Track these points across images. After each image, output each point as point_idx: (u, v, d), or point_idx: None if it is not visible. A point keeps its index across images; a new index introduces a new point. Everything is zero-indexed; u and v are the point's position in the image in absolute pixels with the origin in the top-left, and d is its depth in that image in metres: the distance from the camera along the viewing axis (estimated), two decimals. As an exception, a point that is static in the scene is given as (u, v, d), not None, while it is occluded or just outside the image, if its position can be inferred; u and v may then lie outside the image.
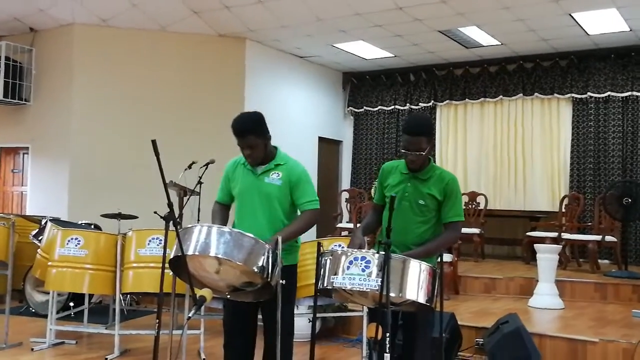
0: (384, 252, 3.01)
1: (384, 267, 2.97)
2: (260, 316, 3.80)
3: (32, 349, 5.62)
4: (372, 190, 10.43)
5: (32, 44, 9.55)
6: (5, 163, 10.19)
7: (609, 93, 9.83)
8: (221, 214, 3.87)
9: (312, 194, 3.75)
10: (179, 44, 9.52)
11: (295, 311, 5.67)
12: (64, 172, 9.15)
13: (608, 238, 8.36)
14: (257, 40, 9.93)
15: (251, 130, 3.61)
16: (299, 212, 3.77)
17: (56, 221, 6.47)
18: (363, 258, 3.18)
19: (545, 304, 6.79)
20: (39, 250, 5.98)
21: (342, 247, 5.02)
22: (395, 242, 3.35)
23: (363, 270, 3.13)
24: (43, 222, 6.49)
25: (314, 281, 3.42)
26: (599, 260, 8.71)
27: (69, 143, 9.16)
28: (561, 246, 7.75)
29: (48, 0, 8.56)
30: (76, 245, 5.44)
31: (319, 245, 3.47)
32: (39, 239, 6.22)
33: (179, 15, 8.90)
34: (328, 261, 3.30)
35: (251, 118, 3.69)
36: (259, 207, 3.69)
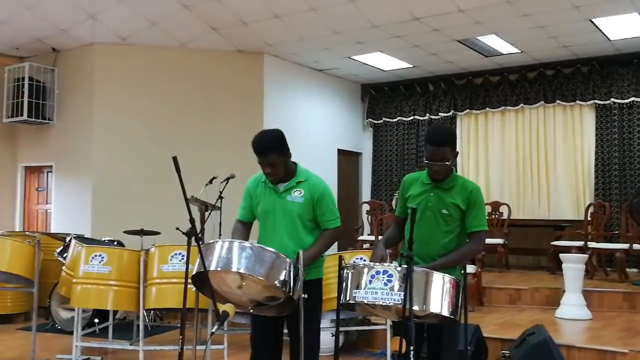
0: (406, 265, 2.98)
1: (407, 280, 2.94)
2: (286, 330, 3.79)
3: (58, 366, 5.65)
4: (393, 202, 10.40)
5: (54, 64, 9.69)
6: (30, 182, 10.32)
7: (632, 98, 9.71)
8: (241, 232, 3.84)
9: (334, 212, 3.74)
10: (198, 61, 9.60)
11: (319, 325, 5.64)
12: (87, 189, 9.23)
13: (636, 246, 8.22)
14: (275, 55, 9.98)
15: (273, 149, 3.59)
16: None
17: (80, 238, 6.51)
18: (385, 272, 3.15)
19: (572, 315, 6.69)
20: (63, 267, 6.02)
21: (364, 261, 5.00)
22: (420, 254, 3.33)
23: (385, 284, 3.11)
24: (67, 239, 6.53)
25: (336, 295, 3.40)
26: (627, 269, 8.57)
27: (92, 161, 9.26)
28: (587, 255, 7.64)
29: (69, 20, 8.68)
30: (100, 262, 5.46)
31: (341, 258, 3.45)
32: (64, 256, 6.26)
33: (198, 32, 8.98)
34: (350, 275, 3.28)
35: (272, 136, 3.67)
36: (281, 225, 3.68)
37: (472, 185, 3.62)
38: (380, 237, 3.86)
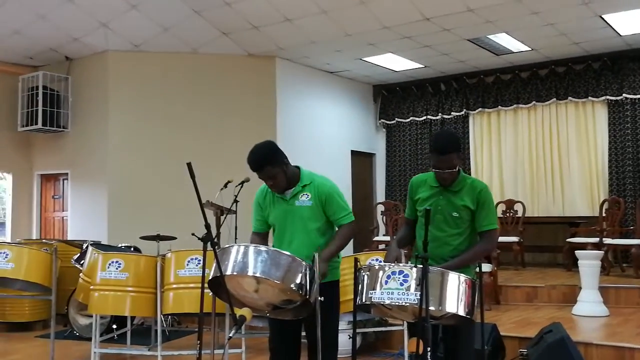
0: (421, 266, 2.99)
1: (423, 281, 2.95)
2: (304, 333, 3.81)
3: (78, 372, 5.70)
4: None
5: (68, 72, 9.78)
6: (46, 190, 10.42)
7: (645, 94, 9.67)
8: (258, 243, 3.80)
9: (345, 208, 3.75)
10: (210, 65, 9.66)
11: (336, 327, 5.66)
12: (102, 196, 9.31)
13: (652, 241, 8.18)
14: (286, 58, 10.01)
15: (266, 162, 3.61)
16: (335, 227, 3.78)
17: (97, 245, 6.58)
18: (401, 272, 3.16)
19: (589, 312, 6.66)
20: (81, 274, 6.08)
21: (380, 262, 5.01)
22: (432, 256, 3.33)
23: (401, 285, 3.12)
24: (84, 246, 6.60)
25: (352, 297, 3.42)
26: (643, 265, 8.52)
27: (107, 167, 9.33)
28: (603, 252, 7.61)
29: (81, 29, 8.77)
30: (117, 269, 5.51)
31: (356, 261, 3.47)
32: (81, 263, 6.33)
33: (209, 37, 9.03)
34: (366, 276, 3.29)
35: (263, 149, 3.68)
36: (295, 232, 3.70)
37: (481, 184, 3.62)
38: (393, 238, 3.85)
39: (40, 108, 9.44)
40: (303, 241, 3.68)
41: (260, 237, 3.90)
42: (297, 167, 3.79)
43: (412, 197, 3.77)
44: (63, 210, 10.16)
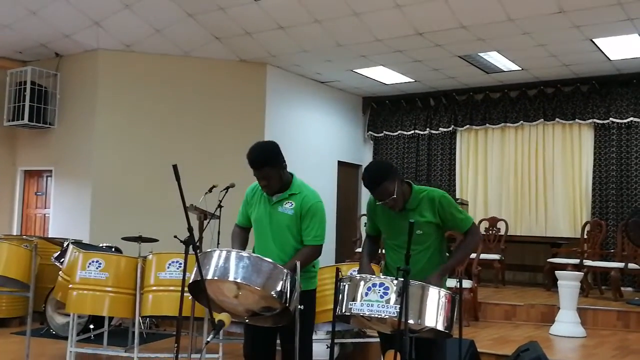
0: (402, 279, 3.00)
1: (403, 294, 2.96)
2: (278, 341, 3.81)
3: (52, 371, 5.64)
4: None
5: (57, 68, 9.73)
6: (29, 186, 10.33)
7: (631, 119, 9.76)
8: (240, 237, 3.90)
9: (317, 230, 3.71)
10: (200, 69, 9.64)
11: (314, 337, 5.66)
12: (86, 195, 9.25)
13: (631, 265, 8.23)
14: (277, 66, 10.03)
15: (267, 162, 3.61)
16: None
17: (78, 244, 6.53)
18: (381, 284, 3.17)
19: (566, 332, 6.70)
20: (60, 272, 6.04)
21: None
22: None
23: (381, 297, 3.13)
24: (65, 244, 6.55)
25: (332, 307, 3.42)
26: (622, 288, 8.59)
27: (92, 166, 9.27)
28: (583, 273, 7.65)
29: (73, 26, 8.73)
30: (97, 268, 5.48)
31: (338, 270, 3.47)
32: (61, 261, 6.27)
33: (201, 40, 9.03)
34: (346, 287, 3.30)
35: (267, 149, 3.69)
36: (270, 235, 3.72)
37: (437, 193, 3.56)
38: (361, 252, 3.83)
39: (27, 103, 9.37)
40: (278, 246, 3.70)
41: (243, 230, 3.93)
42: (291, 175, 3.80)
43: (371, 216, 3.75)
44: (45, 208, 10.08)
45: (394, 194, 3.44)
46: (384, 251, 3.80)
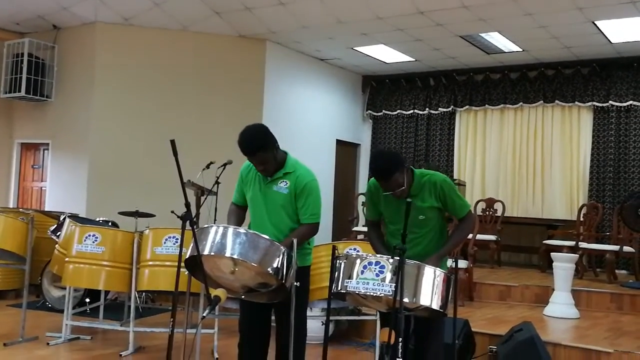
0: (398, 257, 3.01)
1: (398, 273, 2.97)
2: (273, 317, 3.83)
3: (48, 344, 5.67)
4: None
5: (54, 41, 9.65)
6: (25, 159, 10.30)
7: (630, 102, 9.73)
8: (237, 214, 3.90)
9: (313, 208, 3.72)
10: (199, 44, 9.57)
11: (309, 313, 5.68)
12: (83, 168, 9.23)
13: (626, 248, 8.28)
14: (277, 42, 9.96)
15: (259, 148, 3.58)
16: None
17: (74, 217, 6.52)
18: (377, 263, 3.18)
19: (560, 313, 6.74)
20: (56, 246, 6.04)
21: (357, 251, 5.03)
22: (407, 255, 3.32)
23: (377, 275, 3.14)
24: (61, 218, 6.54)
25: (328, 284, 3.43)
26: (617, 271, 8.63)
27: (89, 140, 9.24)
28: (578, 255, 7.69)
29: (72, -2, 8.65)
30: (93, 242, 5.49)
31: (334, 248, 3.47)
32: (57, 234, 6.28)
33: (201, 15, 8.95)
34: (342, 265, 3.31)
35: (257, 134, 3.63)
36: (266, 214, 3.72)
37: (439, 177, 3.58)
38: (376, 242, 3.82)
39: (24, 75, 9.30)
40: (274, 224, 3.70)
41: (239, 208, 3.93)
42: (285, 153, 3.78)
43: (373, 200, 3.75)
44: (42, 181, 10.06)
45: (404, 184, 3.46)
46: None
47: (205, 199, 5.80)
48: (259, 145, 3.59)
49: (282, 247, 3.41)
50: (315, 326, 5.88)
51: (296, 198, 3.70)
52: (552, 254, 7.20)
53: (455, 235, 3.70)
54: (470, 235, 7.83)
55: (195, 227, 3.32)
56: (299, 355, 3.71)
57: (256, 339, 3.82)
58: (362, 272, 3.18)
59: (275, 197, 3.70)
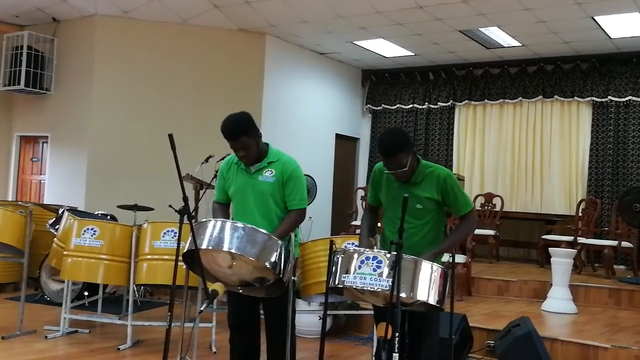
0: (395, 252, 3.01)
1: (395, 268, 2.97)
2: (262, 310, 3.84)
3: (46, 337, 5.69)
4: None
5: (54, 34, 9.64)
6: (24, 152, 10.30)
7: (629, 97, 9.73)
8: (222, 212, 3.89)
9: (299, 194, 3.76)
10: (199, 38, 9.56)
11: (307, 308, 5.70)
12: (82, 162, 9.23)
13: (624, 244, 8.29)
14: (277, 36, 9.94)
15: (243, 132, 3.61)
16: None
17: (73, 211, 6.53)
18: (375, 258, 3.18)
19: (558, 308, 6.76)
20: (55, 239, 6.05)
21: (355, 246, 5.03)
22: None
23: (374, 270, 3.14)
24: (60, 211, 6.55)
25: (325, 278, 3.44)
26: (615, 266, 8.65)
27: (88, 133, 9.24)
28: (576, 250, 7.70)
29: (71, -9, 8.63)
30: (92, 236, 5.49)
31: (332, 243, 3.48)
32: (56, 228, 6.29)
33: (200, 8, 8.93)
34: (340, 259, 3.31)
35: (241, 119, 3.69)
36: (254, 205, 3.72)
37: (442, 171, 3.58)
38: (358, 226, 3.86)
39: (23, 68, 9.30)
40: (262, 215, 3.70)
41: (223, 206, 3.93)
42: (266, 144, 3.81)
43: (375, 185, 3.75)
44: (41, 174, 10.06)
45: (406, 166, 3.45)
46: (379, 225, 3.81)
47: (204, 192, 5.81)
48: (243, 129, 3.62)
49: (279, 242, 3.41)
50: (312, 321, 5.90)
51: (283, 185, 3.72)
52: (550, 249, 7.22)
53: (454, 235, 3.69)
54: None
55: (193, 221, 3.32)
56: (290, 347, 3.73)
57: (246, 333, 3.84)
58: (360, 267, 3.18)
59: (262, 187, 3.71)
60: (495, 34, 9.18)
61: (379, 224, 3.92)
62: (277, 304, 3.62)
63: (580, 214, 9.11)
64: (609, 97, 9.87)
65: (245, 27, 9.58)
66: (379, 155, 3.54)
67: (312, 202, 8.96)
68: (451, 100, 11.23)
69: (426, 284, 3.19)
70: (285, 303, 3.62)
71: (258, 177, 3.72)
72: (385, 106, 11.94)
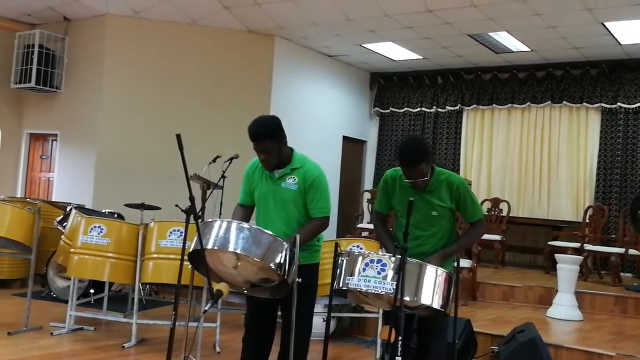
0: (400, 256, 3.02)
1: (400, 271, 2.98)
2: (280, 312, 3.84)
3: (52, 333, 5.71)
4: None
5: (65, 32, 9.69)
6: (34, 149, 10.36)
7: (639, 104, 9.70)
8: (240, 215, 3.85)
9: (323, 201, 3.71)
10: (208, 38, 9.59)
11: (312, 310, 5.68)
12: (90, 160, 9.27)
13: (631, 251, 8.26)
14: (286, 38, 9.96)
15: (268, 135, 3.58)
16: None
17: (81, 209, 6.56)
18: (379, 261, 3.19)
19: (563, 315, 6.73)
20: (62, 236, 6.08)
21: (360, 248, 5.04)
22: (413, 254, 3.31)
23: (379, 273, 3.15)
24: (68, 209, 6.58)
25: (330, 281, 3.44)
26: (622, 274, 8.61)
27: (97, 132, 9.29)
28: (583, 257, 7.67)
29: (82, -10, 8.68)
30: (99, 234, 5.52)
31: (337, 245, 3.48)
32: (63, 225, 6.32)
33: (210, 9, 8.97)
34: (345, 262, 3.32)
35: (268, 122, 3.66)
36: (275, 212, 3.70)
37: (457, 179, 3.60)
38: (383, 236, 3.83)
39: (34, 66, 9.36)
40: (284, 222, 3.69)
41: (245, 209, 3.89)
42: (291, 149, 3.78)
43: (387, 192, 3.74)
44: (50, 171, 10.11)
45: (427, 175, 3.47)
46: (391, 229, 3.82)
47: (211, 193, 5.83)
48: (269, 133, 3.59)
49: (285, 243, 3.41)
50: (316, 323, 5.88)
51: (305, 193, 3.69)
52: (556, 255, 7.19)
53: (464, 239, 3.75)
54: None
55: (199, 221, 3.34)
56: (302, 351, 3.72)
57: (260, 334, 3.83)
58: (364, 270, 3.19)
59: (284, 194, 3.69)
60: (504, 38, 9.17)
61: (390, 228, 3.93)
62: (297, 308, 3.58)
63: (587, 221, 9.08)
64: (618, 103, 9.84)
65: (254, 28, 9.60)
66: (400, 164, 3.52)
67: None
68: (459, 105, 11.22)
69: (430, 288, 3.19)
70: (305, 306, 3.61)
71: (281, 183, 3.71)
72: (393, 109, 11.94)
